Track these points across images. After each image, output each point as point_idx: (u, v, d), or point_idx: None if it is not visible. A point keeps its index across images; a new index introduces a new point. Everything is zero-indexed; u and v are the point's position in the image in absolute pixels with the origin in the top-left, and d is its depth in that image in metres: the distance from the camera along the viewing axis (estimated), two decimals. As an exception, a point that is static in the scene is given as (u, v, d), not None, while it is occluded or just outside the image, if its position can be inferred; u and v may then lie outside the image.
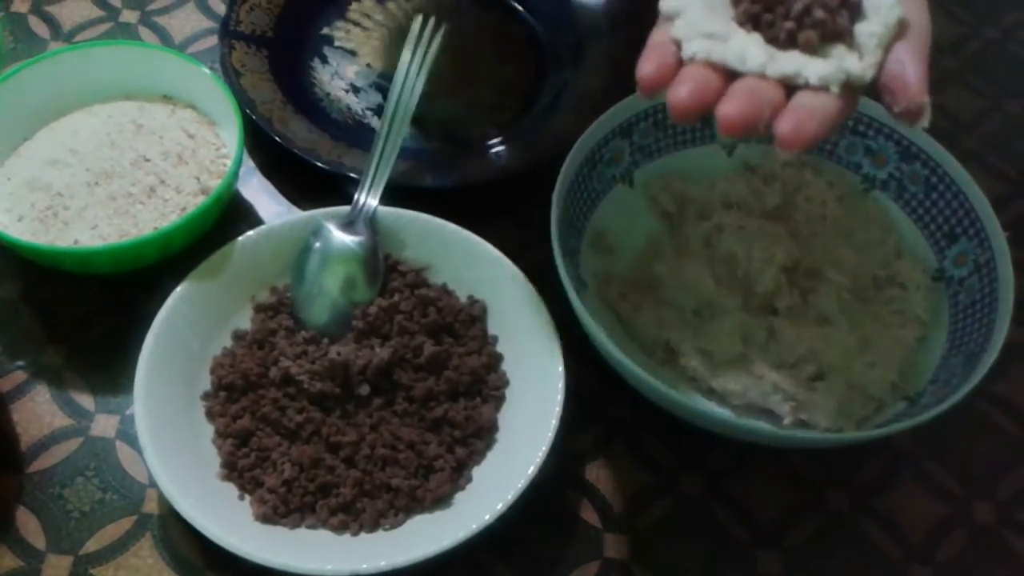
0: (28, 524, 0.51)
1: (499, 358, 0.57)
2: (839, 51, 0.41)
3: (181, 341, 0.54)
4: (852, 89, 0.41)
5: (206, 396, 0.54)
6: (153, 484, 0.52)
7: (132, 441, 0.54)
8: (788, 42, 0.41)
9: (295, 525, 0.50)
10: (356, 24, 0.74)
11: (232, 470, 0.52)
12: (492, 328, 0.58)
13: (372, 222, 0.59)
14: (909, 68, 0.40)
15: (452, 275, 0.59)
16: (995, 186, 0.69)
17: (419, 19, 0.63)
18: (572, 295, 0.52)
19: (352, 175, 0.61)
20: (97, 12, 0.75)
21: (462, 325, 0.57)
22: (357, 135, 0.67)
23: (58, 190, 0.59)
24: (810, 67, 0.40)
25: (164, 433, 0.51)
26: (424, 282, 0.59)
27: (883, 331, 0.56)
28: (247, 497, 0.51)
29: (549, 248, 0.53)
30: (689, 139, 0.63)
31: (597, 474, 0.55)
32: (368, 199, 0.59)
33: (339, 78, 0.71)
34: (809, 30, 0.41)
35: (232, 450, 0.52)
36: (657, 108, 0.61)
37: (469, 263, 0.58)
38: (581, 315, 0.52)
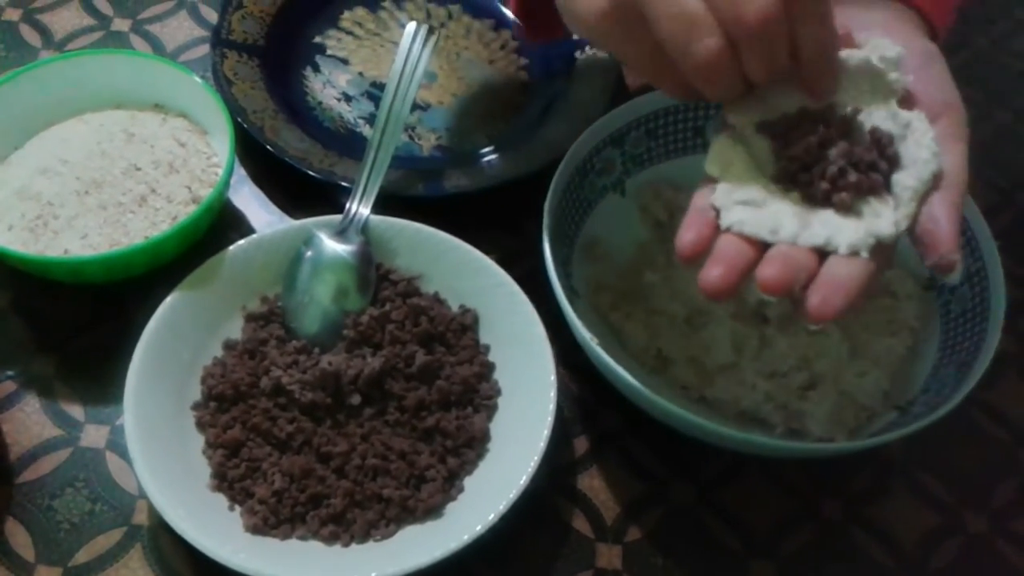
0: (17, 535, 0.51)
1: (491, 367, 0.57)
2: (873, 206, 0.42)
3: (171, 351, 0.54)
4: (884, 246, 0.42)
5: (196, 406, 0.54)
6: (143, 495, 0.52)
7: (122, 452, 0.54)
8: (824, 201, 0.42)
9: (286, 536, 0.50)
10: (348, 32, 0.74)
11: (222, 481, 0.51)
12: (484, 337, 0.58)
13: (364, 231, 0.59)
14: (942, 223, 0.41)
15: (444, 284, 0.59)
16: (986, 195, 0.69)
17: (411, 27, 0.63)
18: (564, 304, 0.52)
19: (344, 184, 0.61)
20: (89, 20, 0.74)
21: (454, 334, 0.57)
22: (349, 144, 0.67)
23: (48, 199, 0.59)
24: (840, 235, 0.41)
25: (154, 444, 0.50)
26: (416, 291, 0.59)
27: (874, 340, 0.56)
28: (237, 508, 0.51)
29: (541, 257, 0.53)
30: (680, 148, 0.63)
31: (589, 484, 0.55)
32: (360, 208, 0.59)
33: (331, 87, 0.71)
34: (843, 192, 0.42)
35: (222, 461, 0.52)
36: (648, 117, 0.61)
37: (461, 272, 0.58)
38: (573, 324, 0.52)
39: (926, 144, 0.43)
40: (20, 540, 0.51)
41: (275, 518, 0.50)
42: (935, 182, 0.42)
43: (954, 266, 0.41)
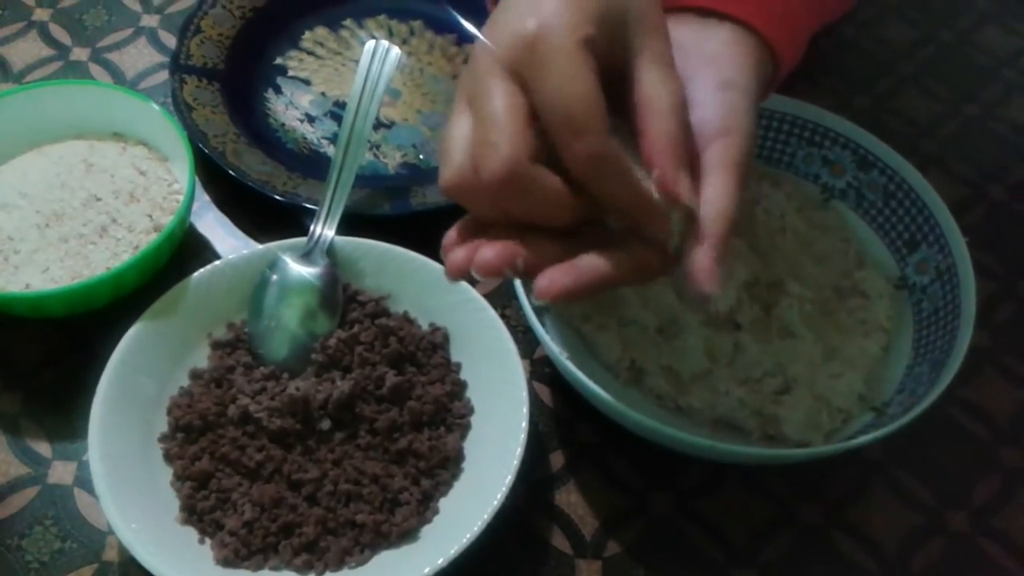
0: (-15, 578, 0.50)
1: (463, 385, 0.56)
2: None
3: (136, 383, 0.53)
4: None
5: (164, 438, 0.53)
6: (113, 531, 0.51)
7: (91, 487, 0.52)
8: None
9: (258, 567, 0.49)
10: (309, 53, 0.74)
11: (192, 513, 0.50)
12: (455, 355, 0.57)
13: (329, 253, 0.58)
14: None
15: (413, 303, 0.58)
16: (956, 190, 0.69)
17: (370, 44, 0.62)
18: (533, 321, 0.51)
19: (309, 206, 0.61)
20: (48, 51, 0.74)
21: (424, 353, 0.56)
22: (313, 165, 0.66)
23: (8, 234, 0.58)
24: None
25: (121, 479, 0.49)
26: (384, 311, 0.58)
27: (848, 341, 0.56)
28: (208, 541, 0.50)
29: (507, 272, 0.52)
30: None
31: (567, 499, 0.54)
32: (324, 230, 0.58)
33: (293, 108, 0.70)
34: None
35: (191, 493, 0.51)
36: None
37: (429, 290, 0.58)
38: (543, 340, 0.51)
39: None
40: (-11, 583, 0.50)
41: (246, 549, 0.49)
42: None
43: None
